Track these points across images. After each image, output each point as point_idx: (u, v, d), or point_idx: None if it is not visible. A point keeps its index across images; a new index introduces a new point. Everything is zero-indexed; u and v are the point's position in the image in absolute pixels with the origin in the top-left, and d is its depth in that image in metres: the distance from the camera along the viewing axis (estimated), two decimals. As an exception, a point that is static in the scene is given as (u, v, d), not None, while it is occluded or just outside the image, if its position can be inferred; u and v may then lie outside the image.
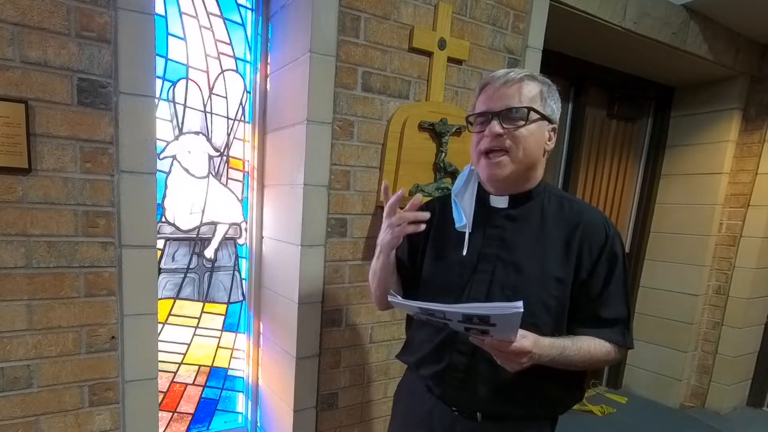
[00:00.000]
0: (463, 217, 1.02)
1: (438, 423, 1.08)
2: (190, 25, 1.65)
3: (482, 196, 1.04)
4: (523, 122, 0.91)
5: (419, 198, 0.96)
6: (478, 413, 1.02)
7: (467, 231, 1.01)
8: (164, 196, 1.66)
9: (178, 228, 1.72)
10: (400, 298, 0.84)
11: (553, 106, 0.96)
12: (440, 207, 1.12)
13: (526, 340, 0.82)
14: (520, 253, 0.98)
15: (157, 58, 1.46)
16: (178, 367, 1.80)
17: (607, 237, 0.96)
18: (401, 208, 0.99)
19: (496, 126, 0.92)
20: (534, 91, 0.93)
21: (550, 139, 0.97)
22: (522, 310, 0.70)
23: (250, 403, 1.95)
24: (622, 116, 2.97)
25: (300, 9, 1.49)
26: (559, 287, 0.95)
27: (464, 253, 1.01)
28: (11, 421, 1.27)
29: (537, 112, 0.92)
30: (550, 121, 0.95)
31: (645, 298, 3.23)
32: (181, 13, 1.63)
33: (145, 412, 1.44)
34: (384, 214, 1.00)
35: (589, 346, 0.94)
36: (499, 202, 1.02)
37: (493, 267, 0.99)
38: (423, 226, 0.97)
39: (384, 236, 1.01)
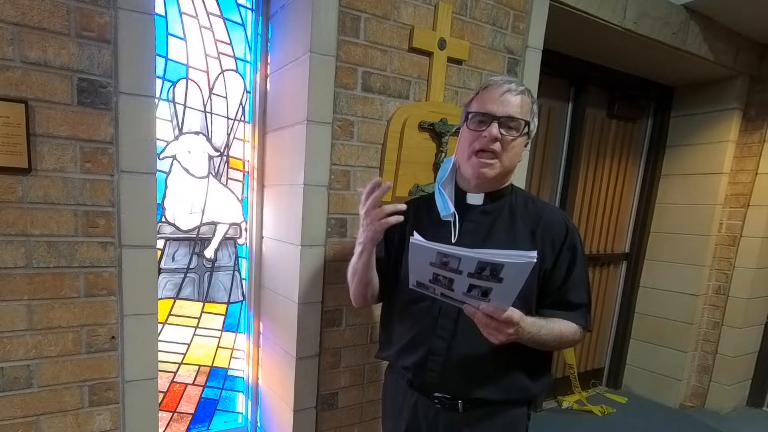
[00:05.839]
0: (449, 206, 1.09)
1: (422, 417, 1.15)
2: (190, 25, 1.65)
3: (459, 195, 1.12)
4: (517, 133, 1.01)
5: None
6: (459, 402, 1.09)
7: (456, 218, 1.09)
8: (164, 196, 1.66)
9: (178, 228, 1.72)
10: (422, 239, 0.86)
11: (536, 122, 1.07)
12: (414, 209, 1.19)
13: (515, 312, 0.90)
14: (493, 243, 1.07)
15: (157, 58, 1.46)
16: (178, 367, 1.80)
17: (567, 231, 1.08)
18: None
19: (495, 130, 0.99)
20: (529, 106, 1.03)
21: (522, 152, 1.08)
22: (535, 260, 0.76)
23: (250, 403, 1.95)
24: (622, 116, 2.97)
25: (300, 9, 1.49)
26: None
27: (454, 240, 1.08)
28: (11, 421, 1.27)
29: (529, 130, 1.03)
30: (529, 137, 1.07)
31: (645, 298, 3.23)
32: (181, 13, 1.63)
33: (145, 412, 1.44)
34: (364, 211, 1.04)
35: (561, 327, 1.04)
36: (476, 199, 1.11)
37: None
38: (402, 218, 1.03)
39: (366, 233, 1.07)
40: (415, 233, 0.88)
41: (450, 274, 0.85)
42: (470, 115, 1.05)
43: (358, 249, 1.13)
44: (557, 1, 1.93)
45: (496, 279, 0.80)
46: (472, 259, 0.79)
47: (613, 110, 2.90)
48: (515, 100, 1.01)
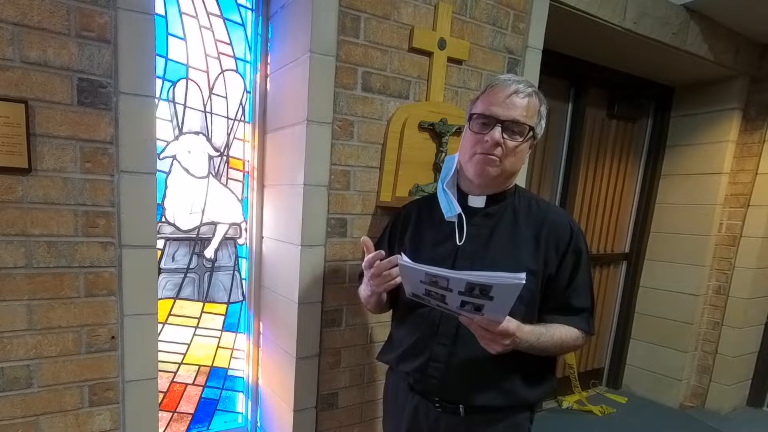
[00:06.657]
0: (455, 206, 1.06)
1: (423, 420, 1.14)
2: (190, 25, 1.65)
3: (460, 197, 1.10)
4: (520, 138, 0.98)
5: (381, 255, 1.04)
6: (461, 406, 1.08)
7: (461, 218, 1.06)
8: (164, 196, 1.66)
9: (178, 228, 1.72)
10: (409, 260, 0.85)
11: (543, 125, 1.03)
12: (417, 211, 1.18)
13: (511, 323, 0.89)
14: (495, 247, 1.05)
15: (157, 58, 1.46)
16: (178, 367, 1.80)
17: (572, 234, 1.05)
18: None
19: (497, 134, 0.97)
20: (536, 109, 0.99)
21: (526, 156, 1.05)
22: (524, 282, 0.74)
23: (250, 403, 1.95)
24: (622, 116, 2.97)
25: (300, 9, 1.49)
26: (531, 279, 0.99)
27: (460, 242, 1.06)
28: (11, 421, 1.27)
29: (534, 134, 1.00)
30: (535, 139, 1.03)
31: (645, 298, 3.23)
32: (181, 13, 1.63)
33: (145, 412, 1.44)
34: (363, 266, 1.08)
35: (561, 333, 1.02)
36: (477, 202, 1.09)
37: (471, 262, 1.03)
38: (398, 278, 1.02)
39: (374, 287, 1.08)
40: (402, 254, 0.87)
41: (441, 291, 0.84)
42: (474, 116, 1.02)
43: (367, 291, 1.13)
44: (557, 1, 1.93)
45: (487, 297, 0.80)
46: (461, 280, 0.79)
47: (613, 110, 2.90)
48: (522, 103, 0.97)
